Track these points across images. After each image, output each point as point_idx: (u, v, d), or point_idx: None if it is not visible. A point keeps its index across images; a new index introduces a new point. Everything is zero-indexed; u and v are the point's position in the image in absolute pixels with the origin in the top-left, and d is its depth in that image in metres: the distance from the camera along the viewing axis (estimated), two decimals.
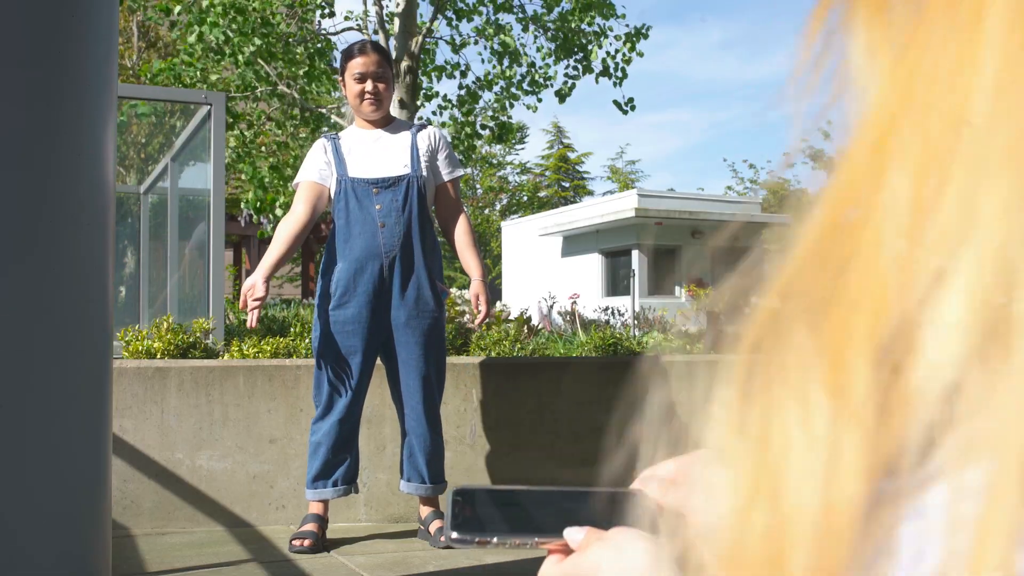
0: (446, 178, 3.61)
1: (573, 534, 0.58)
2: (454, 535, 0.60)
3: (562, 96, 11.33)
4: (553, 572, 0.58)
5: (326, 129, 11.56)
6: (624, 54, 10.91)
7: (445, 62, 11.39)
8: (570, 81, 11.25)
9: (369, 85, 3.50)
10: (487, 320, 3.71)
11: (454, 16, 11.03)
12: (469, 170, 32.84)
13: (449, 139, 3.78)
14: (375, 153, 3.53)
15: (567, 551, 0.58)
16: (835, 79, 0.30)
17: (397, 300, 3.45)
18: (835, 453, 0.27)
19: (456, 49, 11.17)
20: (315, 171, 3.53)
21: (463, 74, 11.34)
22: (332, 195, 3.52)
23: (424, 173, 3.51)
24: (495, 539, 0.60)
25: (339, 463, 3.46)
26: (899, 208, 0.27)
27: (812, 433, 0.28)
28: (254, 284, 3.36)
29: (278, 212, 11.14)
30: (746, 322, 0.31)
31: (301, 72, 10.74)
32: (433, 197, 3.60)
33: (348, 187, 3.46)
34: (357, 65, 3.51)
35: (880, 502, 0.27)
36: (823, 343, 0.28)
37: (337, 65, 11.59)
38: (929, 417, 0.26)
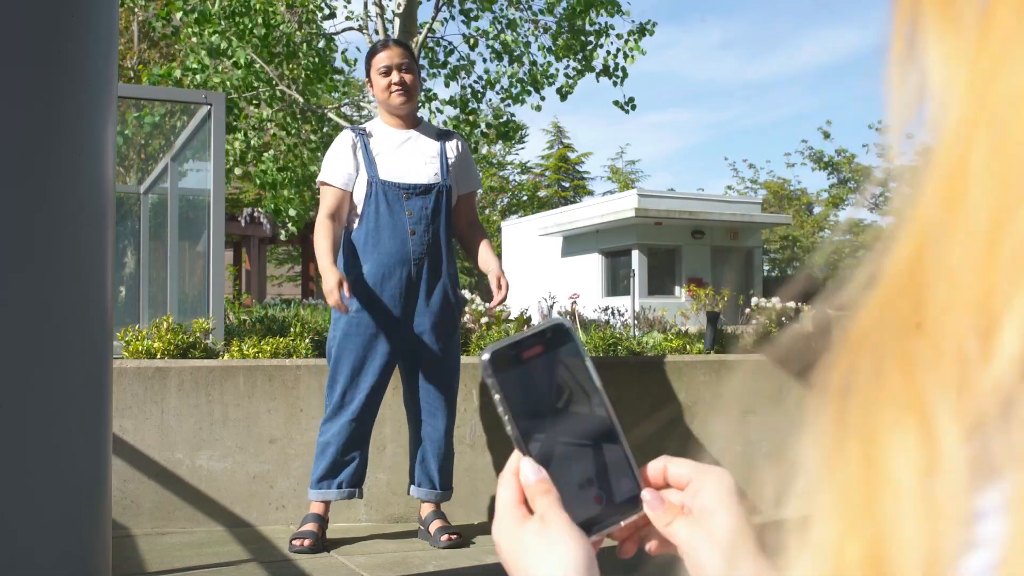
0: (468, 189, 3.64)
1: (527, 469, 0.59)
2: (486, 356, 0.59)
3: (563, 94, 11.33)
4: (503, 499, 0.59)
5: (326, 129, 11.56)
6: (625, 53, 10.91)
7: (461, 58, 11.34)
8: (571, 80, 11.25)
9: (395, 76, 3.49)
10: (501, 304, 3.68)
11: (464, 17, 11.00)
12: None
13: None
14: (405, 156, 3.50)
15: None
16: (917, 93, 0.29)
17: (423, 306, 3.44)
18: (937, 489, 0.27)
19: (471, 45, 11.14)
20: (342, 175, 3.46)
21: (467, 73, 11.34)
22: (360, 196, 3.46)
23: (452, 183, 3.54)
24: (500, 410, 0.60)
25: (346, 464, 3.44)
26: (978, 230, 0.26)
27: (913, 463, 0.27)
28: (336, 285, 3.23)
29: (291, 212, 11.19)
30: (833, 350, 0.31)
31: (303, 73, 10.74)
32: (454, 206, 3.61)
33: (379, 190, 3.43)
34: (382, 59, 3.51)
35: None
36: (912, 373, 0.28)
37: (337, 65, 11.62)
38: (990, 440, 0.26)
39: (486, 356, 0.60)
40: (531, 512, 0.59)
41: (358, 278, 3.42)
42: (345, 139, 3.54)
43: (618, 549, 0.63)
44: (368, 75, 3.58)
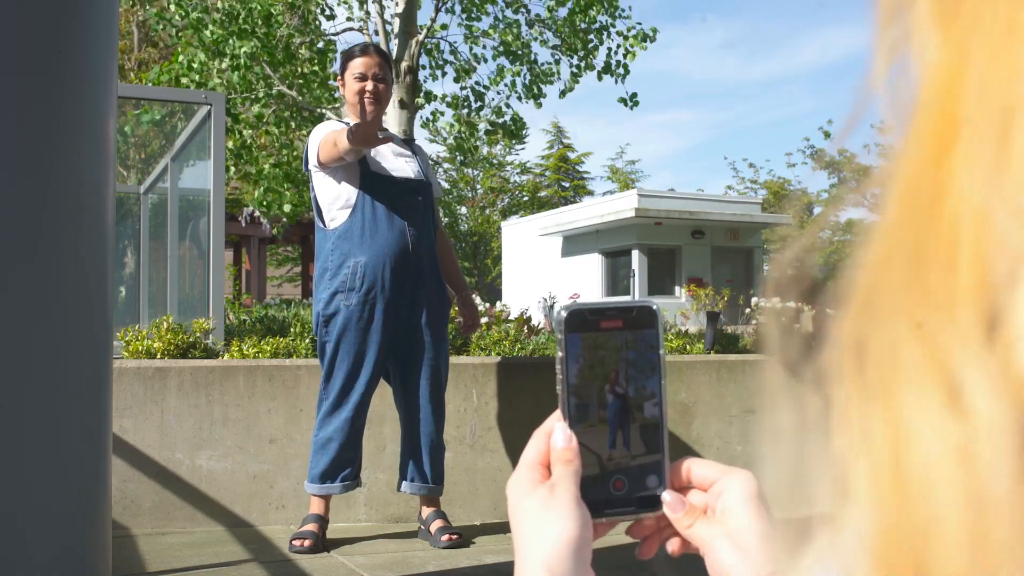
0: (436, 194, 3.71)
1: (558, 435, 0.59)
2: (563, 332, 0.59)
3: (563, 92, 11.33)
4: (526, 453, 0.60)
5: None
6: (627, 49, 10.90)
7: (460, 60, 11.34)
8: (575, 76, 11.23)
9: (370, 85, 3.51)
10: (475, 331, 3.88)
11: (464, 15, 11.00)
12: (469, 171, 32.87)
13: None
14: (388, 153, 3.55)
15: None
16: (903, 53, 0.28)
17: (417, 300, 3.47)
18: (977, 447, 0.25)
19: (475, 42, 11.14)
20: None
21: (468, 73, 11.34)
22: (351, 188, 3.43)
23: (432, 184, 3.63)
24: (559, 367, 0.60)
25: (350, 460, 3.45)
26: (974, 179, 0.25)
27: (945, 427, 0.25)
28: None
29: (285, 208, 11.17)
30: (834, 322, 0.29)
31: (300, 72, 10.75)
32: None
33: (374, 183, 3.44)
34: (359, 65, 3.52)
35: None
36: (930, 330, 0.26)
37: (335, 68, 11.61)
38: None
39: (564, 313, 0.59)
40: (550, 475, 0.59)
41: (357, 268, 3.40)
42: (336, 122, 3.55)
43: (638, 549, 0.63)
44: (341, 75, 3.60)
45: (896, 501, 0.26)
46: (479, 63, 11.23)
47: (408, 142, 3.73)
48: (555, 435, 0.59)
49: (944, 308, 0.26)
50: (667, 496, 0.61)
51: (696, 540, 0.59)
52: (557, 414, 0.60)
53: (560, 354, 0.59)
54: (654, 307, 0.61)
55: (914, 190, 0.27)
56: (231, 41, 9.94)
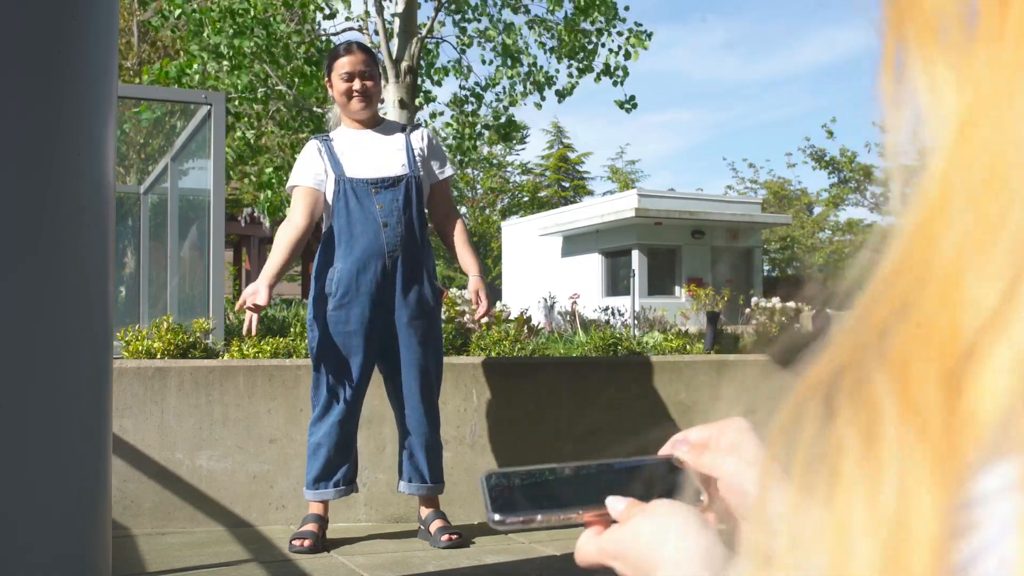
0: (440, 177, 3.65)
1: (615, 503, 0.61)
2: (496, 517, 0.60)
3: (562, 95, 11.33)
4: (592, 545, 0.60)
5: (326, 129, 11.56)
6: (628, 51, 10.89)
7: (450, 62, 11.34)
8: (572, 80, 11.23)
9: (357, 83, 3.52)
10: (487, 317, 3.70)
11: (459, 16, 11.00)
12: (470, 170, 32.86)
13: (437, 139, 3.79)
14: (370, 153, 3.54)
15: (608, 522, 0.61)
16: (911, 118, 0.29)
17: (400, 300, 3.46)
18: (912, 499, 0.26)
19: (463, 49, 11.14)
20: (310, 176, 3.51)
21: (465, 76, 11.34)
22: (330, 197, 3.51)
23: (421, 173, 3.55)
24: (539, 516, 0.60)
25: (340, 464, 3.46)
26: (962, 246, 0.27)
27: (886, 480, 0.27)
28: (256, 291, 3.34)
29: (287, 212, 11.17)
30: (812, 361, 0.30)
31: (295, 71, 10.74)
32: (428, 197, 3.62)
33: (347, 187, 3.46)
34: (344, 65, 3.53)
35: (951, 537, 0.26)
36: (894, 382, 0.27)
37: None
38: (987, 453, 0.25)
39: (495, 518, 0.61)
40: None
41: (334, 274, 3.44)
42: (310, 147, 3.58)
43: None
44: (329, 77, 3.61)
45: (832, 538, 0.28)
46: (478, 64, 11.26)
47: (411, 128, 3.68)
48: (612, 505, 0.61)
49: (901, 367, 0.27)
50: (667, 447, 0.65)
51: (707, 469, 0.63)
52: (584, 537, 0.61)
53: (537, 519, 0.61)
54: (486, 474, 0.63)
55: (910, 245, 0.28)
56: (232, 41, 9.93)
